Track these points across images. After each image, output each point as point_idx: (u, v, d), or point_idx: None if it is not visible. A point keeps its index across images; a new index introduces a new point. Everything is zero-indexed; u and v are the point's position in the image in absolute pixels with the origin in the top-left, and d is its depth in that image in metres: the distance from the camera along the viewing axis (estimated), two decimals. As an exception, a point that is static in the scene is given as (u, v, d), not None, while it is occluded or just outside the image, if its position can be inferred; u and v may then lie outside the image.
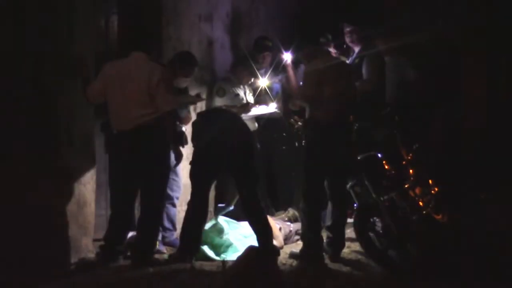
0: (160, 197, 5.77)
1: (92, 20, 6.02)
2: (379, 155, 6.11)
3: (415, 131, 6.97)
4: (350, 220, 6.36)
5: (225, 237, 6.28)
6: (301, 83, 6.24)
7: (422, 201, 6.01)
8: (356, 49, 7.17)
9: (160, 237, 6.20)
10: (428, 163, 6.53)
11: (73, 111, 5.68)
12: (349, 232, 6.45)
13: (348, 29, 7.18)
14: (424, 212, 5.92)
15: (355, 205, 6.19)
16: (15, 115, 5.27)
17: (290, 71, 6.47)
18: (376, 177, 5.96)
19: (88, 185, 5.83)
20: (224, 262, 5.43)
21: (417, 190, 6.10)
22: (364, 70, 6.95)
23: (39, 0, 5.42)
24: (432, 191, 6.20)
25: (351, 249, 6.33)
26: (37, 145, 5.39)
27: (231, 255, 6.04)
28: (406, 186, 6.00)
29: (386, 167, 6.06)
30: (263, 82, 7.35)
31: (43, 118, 5.43)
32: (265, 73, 7.48)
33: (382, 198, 5.83)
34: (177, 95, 6.09)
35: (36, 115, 5.39)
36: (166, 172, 5.78)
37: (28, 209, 5.28)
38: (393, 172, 6.06)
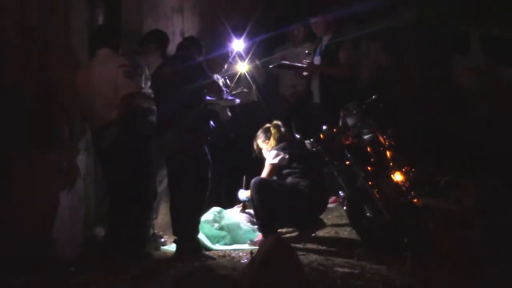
0: (132, 190, 5.68)
1: (86, 13, 6.01)
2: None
3: (388, 116, 7.14)
4: (331, 205, 6.60)
5: (219, 227, 6.39)
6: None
7: (404, 186, 6.18)
8: (326, 37, 7.31)
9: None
10: (402, 147, 6.70)
11: (73, 106, 5.68)
12: (331, 218, 6.68)
13: (313, 21, 7.38)
14: (409, 196, 6.10)
15: (340, 192, 6.31)
16: (19, 110, 5.23)
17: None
18: (363, 163, 6.10)
19: (88, 179, 5.84)
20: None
21: (398, 175, 6.26)
22: (341, 56, 7.13)
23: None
24: (409, 176, 6.38)
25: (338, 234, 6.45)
26: (38, 140, 5.37)
27: (224, 244, 6.22)
28: (390, 171, 6.14)
29: (370, 153, 6.21)
30: (241, 67, 7.34)
31: (45, 113, 5.41)
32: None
33: (371, 184, 5.95)
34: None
35: (39, 110, 5.36)
36: (138, 167, 5.70)
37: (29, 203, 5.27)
38: (376, 157, 6.22)
